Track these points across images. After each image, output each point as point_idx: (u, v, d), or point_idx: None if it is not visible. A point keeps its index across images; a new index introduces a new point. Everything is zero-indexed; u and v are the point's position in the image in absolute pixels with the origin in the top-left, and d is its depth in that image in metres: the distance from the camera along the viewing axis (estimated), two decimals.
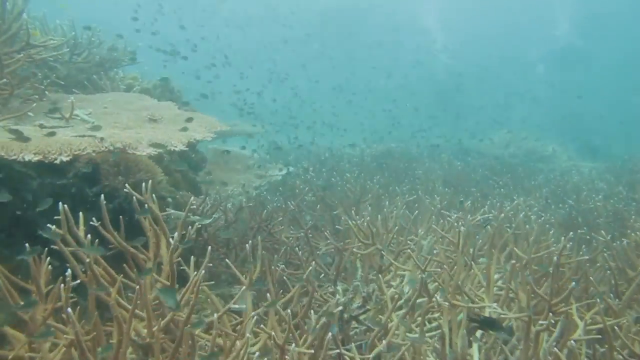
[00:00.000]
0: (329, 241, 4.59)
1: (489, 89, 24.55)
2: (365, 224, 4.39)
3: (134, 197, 3.21)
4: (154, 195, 3.40)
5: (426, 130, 15.78)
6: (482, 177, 9.29)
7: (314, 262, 3.38)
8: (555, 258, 2.92)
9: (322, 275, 4.31)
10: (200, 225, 4.03)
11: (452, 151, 14.11)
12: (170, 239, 2.82)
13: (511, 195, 7.32)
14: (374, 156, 11.27)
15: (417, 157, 11.97)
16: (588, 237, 4.82)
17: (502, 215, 4.25)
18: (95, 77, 5.94)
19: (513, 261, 3.51)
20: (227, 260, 3.32)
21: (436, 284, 3.62)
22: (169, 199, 5.07)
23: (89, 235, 2.67)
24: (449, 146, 14.89)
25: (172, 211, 4.62)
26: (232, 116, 11.98)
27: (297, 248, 4.71)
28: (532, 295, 3.19)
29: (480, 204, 6.93)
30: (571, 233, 3.53)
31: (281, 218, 5.22)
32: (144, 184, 3.33)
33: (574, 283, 2.76)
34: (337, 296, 3.66)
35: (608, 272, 3.63)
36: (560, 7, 31.64)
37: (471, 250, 3.83)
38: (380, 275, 3.83)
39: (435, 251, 4.26)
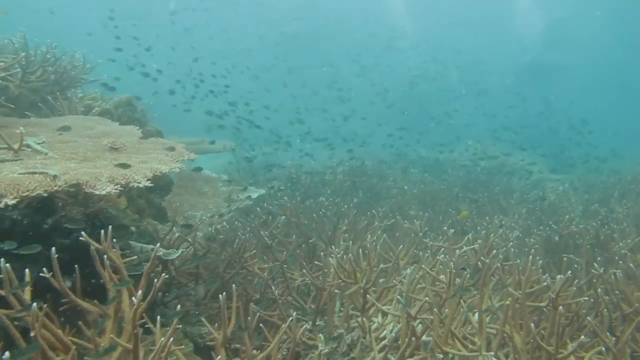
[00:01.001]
0: (307, 279, 4.28)
1: (459, 102, 24.68)
2: (345, 258, 4.10)
3: (92, 247, 2.83)
4: (114, 240, 3.04)
5: (396, 142, 15.60)
6: (457, 195, 9.12)
7: (294, 313, 3.05)
8: (560, 308, 2.68)
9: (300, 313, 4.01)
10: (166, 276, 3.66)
11: (424, 165, 13.96)
12: (134, 298, 2.46)
13: (490, 215, 7.14)
14: (347, 173, 10.98)
15: (391, 174, 11.73)
16: (576, 265, 4.64)
17: (493, 252, 4.02)
18: (50, 97, 5.48)
19: (507, 302, 3.28)
20: (201, 316, 2.96)
21: (422, 322, 3.38)
22: (132, 228, 4.68)
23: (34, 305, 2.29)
24: (421, 160, 14.77)
25: (138, 246, 4.25)
26: (200, 132, 11.56)
27: (271, 283, 4.39)
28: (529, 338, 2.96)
29: (460, 225, 6.76)
30: (569, 272, 3.31)
31: (254, 250, 4.89)
32: (102, 231, 2.96)
33: (583, 336, 2.53)
34: (320, 346, 3.35)
35: (605, 310, 3.42)
36: (528, 20, 32.31)
37: (458, 281, 3.59)
38: (364, 319, 3.54)
39: (419, 285, 4.00)
